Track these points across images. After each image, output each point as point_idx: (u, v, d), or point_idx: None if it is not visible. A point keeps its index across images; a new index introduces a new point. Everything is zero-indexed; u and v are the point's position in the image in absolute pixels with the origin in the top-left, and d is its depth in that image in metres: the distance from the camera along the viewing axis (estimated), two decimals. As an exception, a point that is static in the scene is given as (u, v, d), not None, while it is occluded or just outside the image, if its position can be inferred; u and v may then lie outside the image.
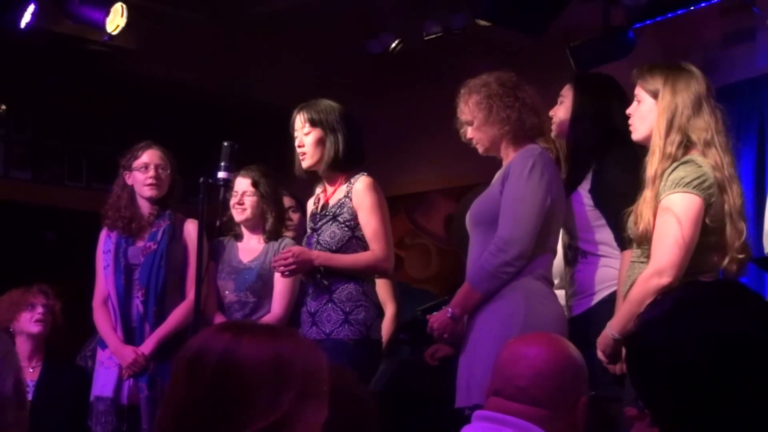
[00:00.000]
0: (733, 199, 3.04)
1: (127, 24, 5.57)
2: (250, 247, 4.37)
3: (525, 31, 5.09)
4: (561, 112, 3.74)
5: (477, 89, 3.56)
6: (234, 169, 3.78)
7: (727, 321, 1.52)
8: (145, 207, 4.32)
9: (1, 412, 1.77)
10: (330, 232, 3.89)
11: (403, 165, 6.93)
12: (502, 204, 3.45)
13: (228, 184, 3.78)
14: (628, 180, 3.26)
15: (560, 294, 3.64)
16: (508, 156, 3.57)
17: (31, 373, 4.54)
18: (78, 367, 4.76)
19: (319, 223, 3.94)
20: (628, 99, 3.37)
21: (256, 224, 4.37)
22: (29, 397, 3.99)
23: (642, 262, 3.09)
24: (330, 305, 3.83)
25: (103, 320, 4.25)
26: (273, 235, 4.35)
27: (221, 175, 3.67)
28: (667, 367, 1.52)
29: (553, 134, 3.78)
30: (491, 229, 3.45)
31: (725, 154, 3.07)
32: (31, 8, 5.37)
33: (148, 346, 4.16)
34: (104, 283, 4.28)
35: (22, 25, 5.40)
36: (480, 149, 3.64)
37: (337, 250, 3.87)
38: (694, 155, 3.06)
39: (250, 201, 4.33)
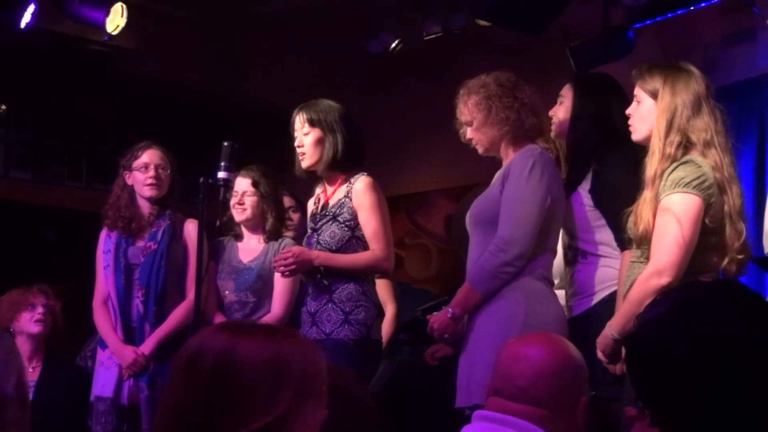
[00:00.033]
0: (732, 199, 3.04)
1: (127, 24, 5.57)
2: (250, 247, 4.37)
3: (525, 31, 5.09)
4: (561, 112, 3.74)
5: (476, 90, 3.56)
6: (234, 169, 3.78)
7: (727, 321, 1.53)
8: (145, 207, 4.32)
9: (3, 412, 1.77)
10: (330, 232, 3.89)
11: (403, 165, 6.93)
12: (502, 204, 3.45)
13: (228, 184, 3.78)
14: (628, 180, 3.25)
15: (560, 294, 3.64)
16: (508, 156, 3.57)
17: (31, 374, 4.54)
18: (78, 367, 4.76)
19: (319, 223, 3.94)
20: (627, 99, 3.37)
21: (256, 224, 4.37)
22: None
23: (642, 263, 3.09)
24: (330, 305, 3.84)
25: (103, 320, 4.25)
26: (273, 235, 4.35)
27: (221, 175, 3.67)
28: (667, 367, 1.52)
29: (552, 134, 3.78)
30: (491, 229, 3.45)
31: (725, 155, 3.07)
32: (31, 8, 5.38)
33: (148, 346, 4.16)
34: (104, 283, 4.28)
35: (22, 25, 5.40)
36: (480, 150, 3.64)
37: (337, 250, 3.87)
38: (694, 155, 3.06)
39: (250, 201, 4.33)
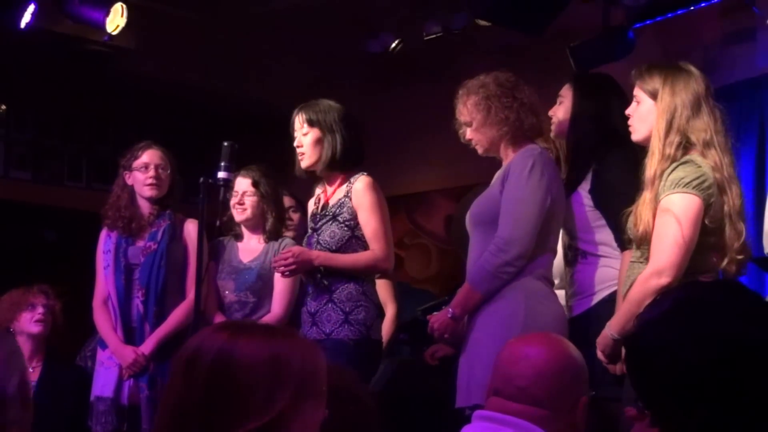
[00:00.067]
0: (732, 199, 3.04)
1: (127, 24, 5.57)
2: (250, 247, 4.37)
3: (525, 31, 5.09)
4: (560, 112, 3.74)
5: (475, 90, 3.56)
6: (234, 169, 3.78)
7: (727, 321, 1.52)
8: (145, 207, 4.32)
9: (6, 412, 1.78)
10: (330, 231, 3.89)
11: (403, 165, 6.93)
12: (502, 204, 3.45)
13: (228, 184, 3.78)
14: (628, 180, 3.25)
15: (560, 294, 3.64)
16: (508, 156, 3.57)
17: (31, 374, 4.52)
18: (78, 367, 4.76)
19: (319, 223, 3.94)
20: (627, 99, 3.36)
21: (256, 224, 4.37)
22: (29, 397, 4.00)
23: (642, 263, 3.09)
24: (330, 305, 3.84)
25: (103, 320, 4.25)
26: (273, 235, 4.35)
27: (221, 175, 3.67)
28: (667, 367, 1.52)
29: (552, 134, 3.78)
30: (491, 229, 3.45)
31: (725, 155, 3.07)
32: (31, 8, 5.38)
33: (148, 346, 4.16)
34: (104, 283, 4.28)
35: (22, 25, 5.40)
36: (479, 150, 3.64)
37: (337, 250, 3.87)
38: (694, 155, 3.06)
39: (250, 201, 4.33)
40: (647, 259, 3.04)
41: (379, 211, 3.88)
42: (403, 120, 6.96)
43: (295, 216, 4.91)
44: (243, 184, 4.32)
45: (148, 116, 6.82)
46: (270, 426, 1.57)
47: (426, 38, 5.91)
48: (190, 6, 6.16)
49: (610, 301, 3.40)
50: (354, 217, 3.88)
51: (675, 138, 3.06)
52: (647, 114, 3.17)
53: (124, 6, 5.54)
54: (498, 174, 3.59)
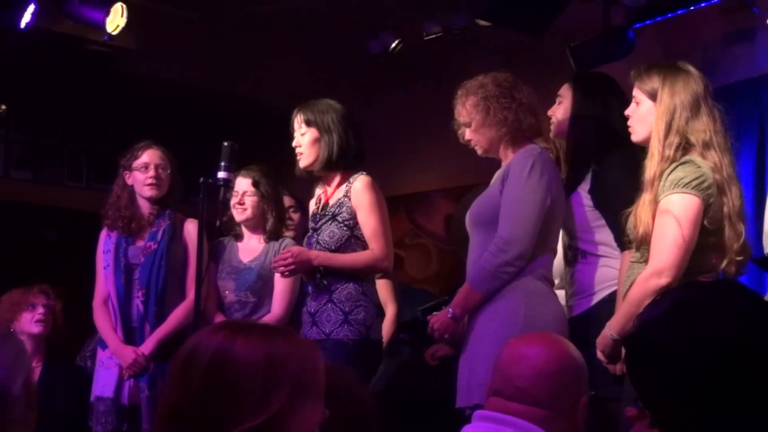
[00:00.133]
0: (732, 200, 3.04)
1: (127, 24, 5.57)
2: (250, 247, 4.38)
3: (525, 31, 5.09)
4: (559, 112, 3.74)
5: (474, 91, 3.56)
6: (234, 169, 3.78)
7: (727, 321, 1.52)
8: (145, 207, 4.32)
9: (10, 411, 1.78)
10: (329, 231, 3.89)
11: (403, 165, 6.94)
12: (502, 204, 3.45)
13: (228, 184, 3.78)
14: (627, 180, 3.25)
15: (560, 294, 3.64)
16: (507, 157, 3.57)
17: (31, 374, 4.54)
18: (78, 367, 4.76)
19: (319, 223, 3.94)
20: (627, 99, 3.36)
21: (256, 224, 4.37)
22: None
23: (642, 264, 3.09)
24: (330, 305, 3.84)
25: (104, 320, 4.25)
26: (273, 235, 4.35)
27: (221, 175, 3.67)
28: (667, 367, 1.52)
29: (551, 134, 3.78)
30: (491, 229, 3.45)
31: (724, 155, 3.07)
32: (31, 8, 5.38)
33: (148, 346, 4.16)
34: (104, 283, 4.28)
35: (22, 25, 5.40)
36: (479, 151, 3.64)
37: (336, 250, 3.87)
38: (693, 156, 3.06)
39: (250, 201, 4.33)
40: (647, 260, 3.04)
41: (378, 210, 3.88)
42: (403, 120, 6.96)
43: (295, 216, 4.91)
44: (243, 184, 4.32)
45: (148, 116, 6.82)
46: (267, 426, 1.57)
47: (426, 38, 5.91)
48: (190, 6, 6.16)
49: (609, 301, 3.40)
50: (353, 216, 3.88)
51: (674, 139, 3.06)
52: (646, 115, 3.16)
53: (124, 6, 5.54)
54: (498, 174, 3.59)
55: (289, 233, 4.55)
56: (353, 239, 3.89)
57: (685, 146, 3.07)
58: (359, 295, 3.85)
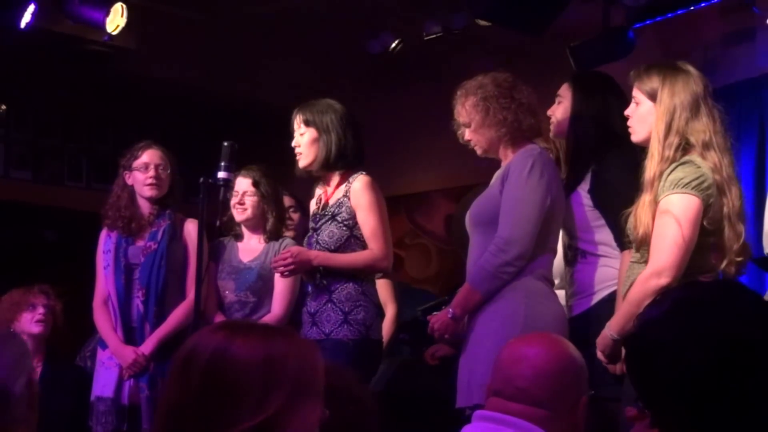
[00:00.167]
0: (731, 201, 3.04)
1: (127, 24, 5.57)
2: (250, 247, 4.38)
3: (525, 31, 5.09)
4: (559, 111, 3.73)
5: (473, 91, 3.55)
6: (234, 169, 3.78)
7: (727, 321, 1.52)
8: (145, 207, 4.32)
9: (12, 410, 1.79)
10: (329, 231, 3.89)
11: (403, 165, 6.94)
12: (502, 204, 3.44)
13: (228, 184, 3.78)
14: (627, 180, 3.25)
15: (560, 294, 3.64)
16: (507, 157, 3.57)
17: (31, 374, 4.54)
18: (78, 367, 4.76)
19: (319, 223, 3.94)
20: (626, 98, 3.36)
21: (256, 224, 4.37)
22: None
23: (641, 264, 3.09)
24: (329, 305, 3.84)
25: (104, 320, 4.25)
26: (273, 235, 4.35)
27: (221, 175, 3.67)
28: (667, 367, 1.52)
29: (551, 134, 3.78)
30: (491, 229, 3.45)
31: (724, 155, 3.07)
32: (31, 8, 5.38)
33: (148, 346, 4.16)
34: (104, 283, 4.28)
35: (22, 25, 5.40)
36: (478, 151, 3.64)
37: (336, 250, 3.87)
38: (693, 156, 3.05)
39: (250, 201, 4.33)
40: (647, 261, 3.04)
41: (377, 210, 3.88)
42: (403, 120, 6.96)
43: (295, 216, 4.91)
44: (243, 184, 4.32)
45: (148, 116, 6.82)
46: (265, 425, 1.58)
47: (426, 38, 5.91)
48: (190, 6, 6.16)
49: (609, 301, 3.40)
50: (352, 216, 3.88)
51: (674, 140, 3.06)
52: (646, 115, 3.16)
53: (124, 6, 5.54)
54: (497, 174, 3.59)
55: (289, 233, 4.55)
56: (353, 239, 3.89)
57: (684, 147, 3.07)
58: (359, 295, 3.85)
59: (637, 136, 3.23)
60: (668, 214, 2.97)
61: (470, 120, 3.57)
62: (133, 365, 4.13)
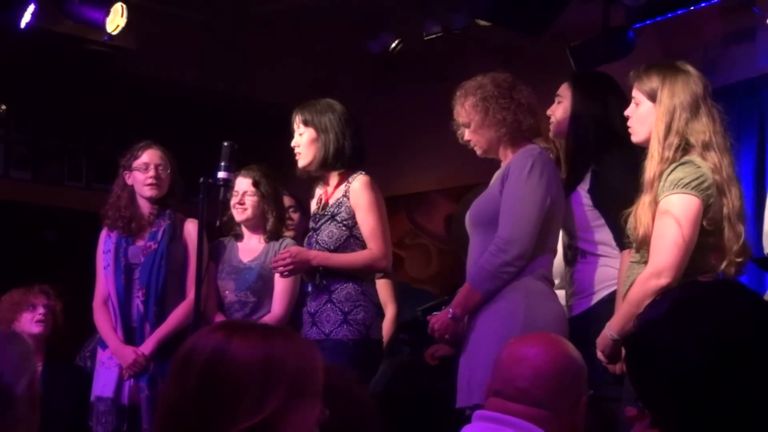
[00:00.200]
0: (731, 201, 3.04)
1: (127, 24, 5.57)
2: (250, 247, 4.38)
3: (525, 31, 5.09)
4: (559, 111, 3.73)
5: (472, 91, 3.55)
6: (234, 169, 3.78)
7: (727, 321, 1.52)
8: (145, 207, 4.32)
9: (13, 410, 1.79)
10: (328, 231, 3.89)
11: (403, 165, 6.93)
12: (501, 204, 3.45)
13: (228, 184, 3.78)
14: (627, 180, 3.25)
15: (560, 294, 3.64)
16: (507, 157, 3.57)
17: (31, 373, 4.53)
18: (78, 367, 4.76)
19: (319, 223, 3.95)
20: (626, 98, 3.36)
21: (256, 224, 4.37)
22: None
23: (641, 264, 3.09)
24: (329, 305, 3.84)
25: (104, 320, 4.25)
26: (273, 235, 4.35)
27: (221, 175, 3.67)
28: (667, 367, 1.52)
29: (551, 134, 3.78)
30: (491, 229, 3.45)
31: (724, 156, 3.07)
32: (31, 8, 5.38)
33: (148, 346, 4.16)
34: (104, 283, 4.28)
35: (22, 25, 5.40)
36: (478, 151, 3.64)
37: (335, 250, 3.87)
38: (693, 156, 3.05)
39: (250, 201, 4.33)
40: (647, 261, 3.04)
41: (377, 210, 3.88)
42: (403, 120, 6.96)
43: (295, 216, 4.91)
44: (243, 184, 4.32)
45: (148, 116, 6.82)
46: (264, 425, 1.58)
47: (426, 38, 5.91)
48: (190, 6, 6.16)
49: (609, 301, 3.40)
50: (352, 216, 3.88)
51: (674, 140, 3.06)
52: (646, 115, 3.16)
53: (124, 6, 5.54)
54: (497, 174, 3.59)
55: (289, 233, 4.55)
56: (352, 239, 3.89)
57: (684, 147, 3.07)
58: (358, 295, 3.85)
59: (637, 136, 3.23)
60: (668, 215, 2.97)
61: (470, 120, 3.57)
62: (133, 365, 4.13)
